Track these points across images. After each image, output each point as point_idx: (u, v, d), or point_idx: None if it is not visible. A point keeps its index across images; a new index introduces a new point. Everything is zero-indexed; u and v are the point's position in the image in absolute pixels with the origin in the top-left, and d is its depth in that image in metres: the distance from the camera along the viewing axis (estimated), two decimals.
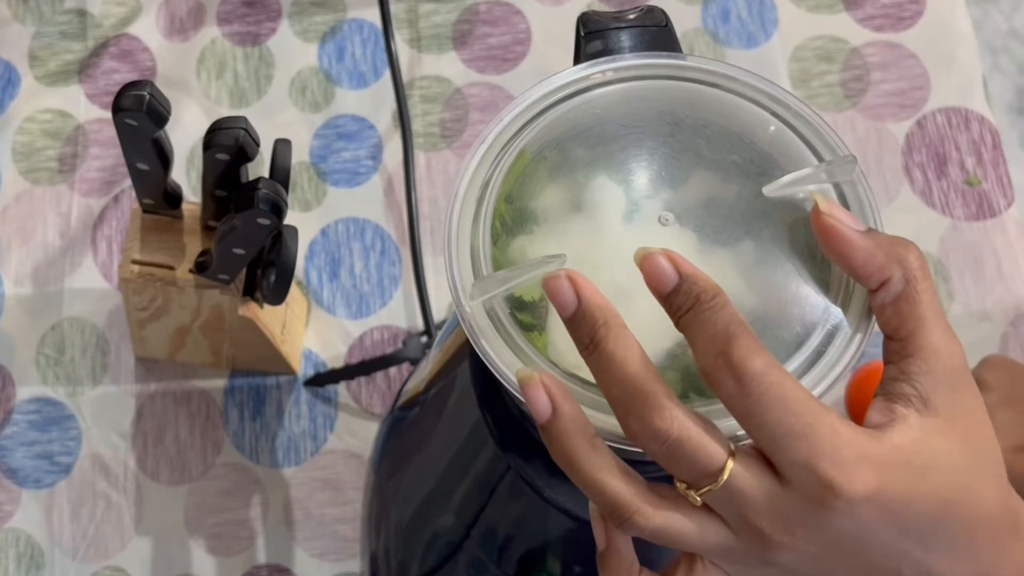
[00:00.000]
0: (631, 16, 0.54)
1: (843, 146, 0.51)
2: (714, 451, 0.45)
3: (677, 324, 0.45)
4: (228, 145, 0.70)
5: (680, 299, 0.45)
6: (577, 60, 0.54)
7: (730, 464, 0.45)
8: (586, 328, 0.45)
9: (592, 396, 0.47)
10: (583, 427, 0.45)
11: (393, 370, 0.87)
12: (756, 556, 0.46)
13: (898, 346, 0.47)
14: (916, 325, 0.47)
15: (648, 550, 0.49)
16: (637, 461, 0.46)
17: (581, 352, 0.46)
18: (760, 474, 0.45)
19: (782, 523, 0.45)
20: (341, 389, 0.87)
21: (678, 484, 0.46)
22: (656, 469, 0.46)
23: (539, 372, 0.46)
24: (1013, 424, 0.78)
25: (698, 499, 0.45)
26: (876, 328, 0.48)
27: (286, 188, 0.72)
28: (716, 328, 0.44)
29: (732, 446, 0.45)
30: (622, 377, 0.44)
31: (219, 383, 0.87)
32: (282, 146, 0.74)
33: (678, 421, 0.44)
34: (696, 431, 0.44)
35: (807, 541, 0.45)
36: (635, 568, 0.48)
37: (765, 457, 0.45)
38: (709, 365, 0.44)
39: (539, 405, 0.45)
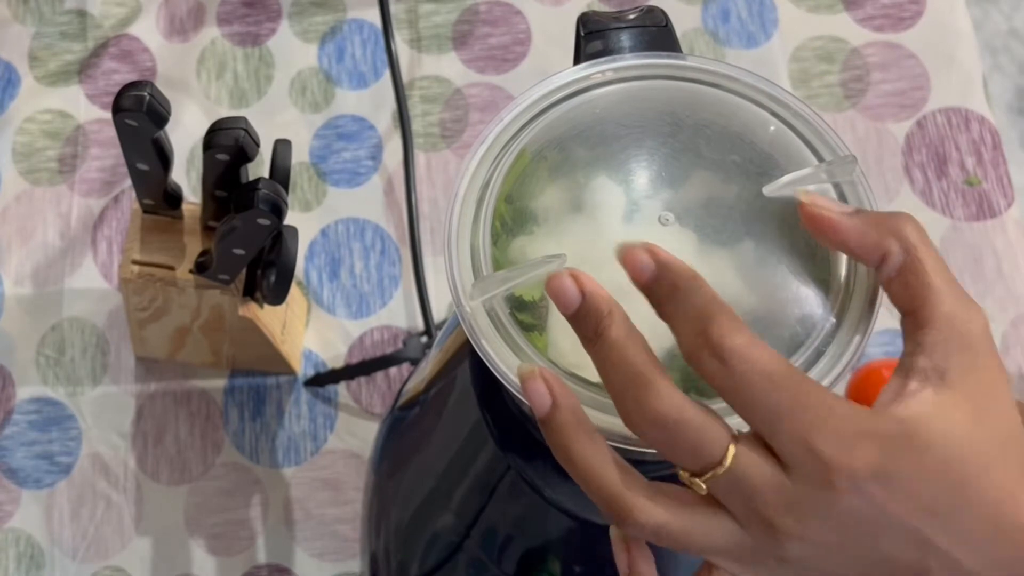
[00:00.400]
0: (631, 16, 0.54)
1: (843, 146, 0.51)
2: (716, 434, 0.44)
3: (660, 315, 0.45)
4: (228, 145, 0.70)
5: (659, 287, 0.44)
6: (577, 60, 0.54)
7: (732, 448, 0.44)
8: (591, 319, 0.45)
9: (593, 396, 0.47)
10: (582, 420, 0.45)
11: (393, 370, 0.87)
12: (768, 552, 0.45)
13: (912, 320, 0.46)
14: (925, 294, 0.46)
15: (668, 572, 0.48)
16: (639, 461, 0.46)
17: (585, 345, 0.45)
18: (764, 461, 0.44)
19: (791, 513, 0.44)
20: (341, 389, 0.87)
21: (682, 474, 0.45)
22: (657, 470, 0.46)
23: (539, 367, 0.46)
24: None
25: (703, 486, 0.44)
26: (876, 328, 0.48)
27: (286, 188, 0.72)
28: (695, 309, 0.44)
29: (735, 431, 0.44)
30: (622, 361, 0.44)
31: (219, 383, 0.87)
32: (282, 146, 0.74)
33: (677, 404, 0.43)
34: (697, 414, 0.44)
35: (818, 530, 0.44)
36: None
37: (768, 446, 0.44)
38: (690, 346, 0.44)
39: (539, 398, 0.45)
